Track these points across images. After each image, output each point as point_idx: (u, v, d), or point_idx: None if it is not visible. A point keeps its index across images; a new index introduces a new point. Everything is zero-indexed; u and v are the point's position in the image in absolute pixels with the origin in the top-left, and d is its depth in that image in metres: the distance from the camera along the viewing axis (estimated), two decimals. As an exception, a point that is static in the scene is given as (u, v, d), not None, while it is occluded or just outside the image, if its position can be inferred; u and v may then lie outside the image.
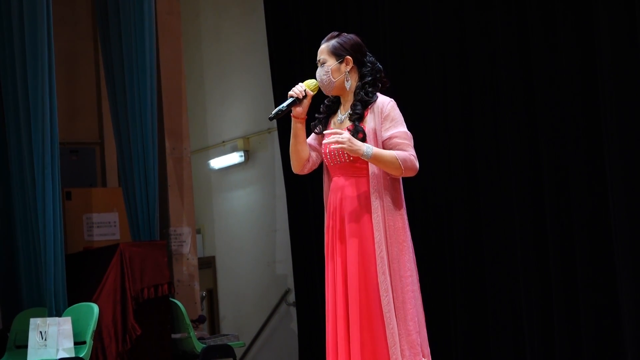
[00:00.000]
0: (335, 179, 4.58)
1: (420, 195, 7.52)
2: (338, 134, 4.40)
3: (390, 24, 7.85)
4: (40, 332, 6.76)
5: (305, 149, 4.64)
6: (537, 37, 6.71)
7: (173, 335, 7.94)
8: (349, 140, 4.39)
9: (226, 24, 11.21)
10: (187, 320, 7.98)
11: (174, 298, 8.12)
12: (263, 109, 10.29)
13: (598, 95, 6.33)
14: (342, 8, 8.42)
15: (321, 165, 4.73)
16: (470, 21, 7.26)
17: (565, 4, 6.54)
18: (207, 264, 11.38)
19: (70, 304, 7.05)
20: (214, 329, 11.20)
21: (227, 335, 8.80)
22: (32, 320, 6.87)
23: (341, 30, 4.70)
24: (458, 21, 7.36)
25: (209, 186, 11.53)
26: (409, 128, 4.51)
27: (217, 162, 11.29)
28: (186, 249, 8.98)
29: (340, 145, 4.39)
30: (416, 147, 4.48)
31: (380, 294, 4.39)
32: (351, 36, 4.62)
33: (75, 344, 6.80)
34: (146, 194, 7.85)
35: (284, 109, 4.53)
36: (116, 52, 8.01)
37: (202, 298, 9.67)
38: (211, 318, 11.31)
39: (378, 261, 4.41)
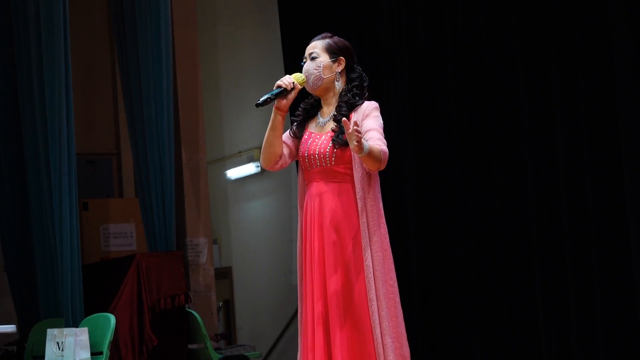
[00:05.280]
0: (313, 184, 4.44)
1: (432, 196, 7.51)
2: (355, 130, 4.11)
3: (407, 34, 7.84)
4: (57, 342, 6.76)
5: (280, 144, 4.49)
6: (551, 36, 6.72)
7: (190, 346, 7.93)
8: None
9: (242, 35, 11.23)
10: (204, 331, 7.97)
11: (190, 309, 8.12)
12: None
13: (615, 93, 6.29)
14: (357, 18, 8.41)
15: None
16: (485, 18, 7.26)
17: (579, 6, 6.55)
18: (224, 275, 11.37)
19: (87, 315, 7.04)
20: (231, 340, 11.19)
21: (243, 345, 8.79)
22: (49, 331, 6.86)
23: (357, 41, 4.67)
24: (473, 19, 7.36)
25: (226, 196, 11.54)
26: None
27: (234, 173, 11.30)
28: (203, 259, 8.98)
29: (357, 136, 4.07)
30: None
31: (368, 303, 4.28)
32: (344, 40, 4.57)
33: (92, 354, 6.79)
34: (163, 205, 7.84)
35: (271, 97, 4.40)
36: (133, 62, 8.02)
37: (219, 308, 9.66)
38: (228, 328, 11.29)
39: (365, 269, 4.30)
